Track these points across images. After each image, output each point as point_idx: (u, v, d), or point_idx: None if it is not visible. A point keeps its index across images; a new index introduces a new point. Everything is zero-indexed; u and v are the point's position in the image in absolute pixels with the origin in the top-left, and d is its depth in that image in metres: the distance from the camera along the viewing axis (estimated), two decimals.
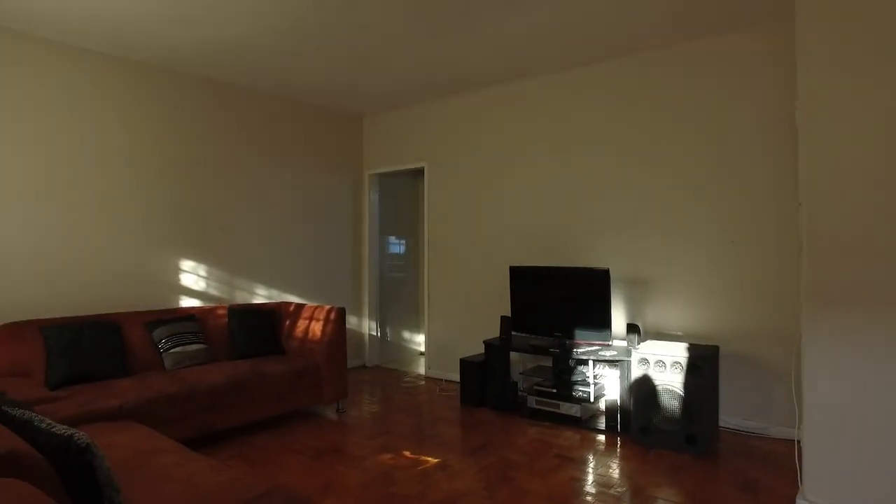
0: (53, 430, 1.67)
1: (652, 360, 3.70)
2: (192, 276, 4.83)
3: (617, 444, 3.83)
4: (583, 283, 4.33)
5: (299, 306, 4.81)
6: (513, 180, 5.19)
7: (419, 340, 7.03)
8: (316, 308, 4.67)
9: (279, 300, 5.47)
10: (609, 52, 4.47)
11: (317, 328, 4.55)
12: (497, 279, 5.26)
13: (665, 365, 3.65)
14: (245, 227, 5.24)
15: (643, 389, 3.73)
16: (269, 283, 5.42)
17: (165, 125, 4.70)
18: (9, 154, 3.86)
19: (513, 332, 4.78)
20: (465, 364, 4.78)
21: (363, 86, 5.27)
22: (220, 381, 3.77)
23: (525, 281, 4.67)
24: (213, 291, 4.98)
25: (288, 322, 4.80)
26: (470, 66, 4.76)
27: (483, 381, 4.73)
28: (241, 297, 5.18)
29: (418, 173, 6.92)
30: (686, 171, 4.23)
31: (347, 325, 6.19)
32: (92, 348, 3.69)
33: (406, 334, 6.92)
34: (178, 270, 4.74)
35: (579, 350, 4.28)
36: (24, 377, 3.49)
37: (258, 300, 5.32)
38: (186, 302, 4.78)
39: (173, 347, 4.03)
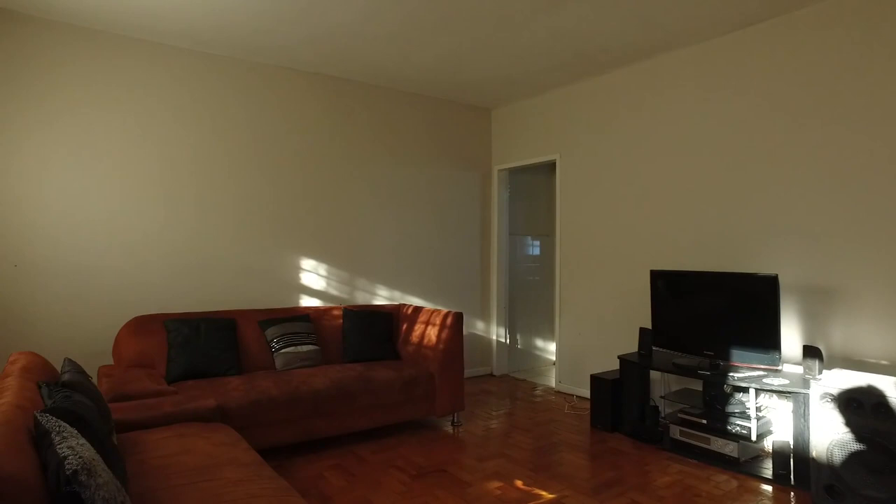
0: (60, 447, 1.44)
1: (842, 396, 2.75)
2: (312, 275, 4.74)
3: (791, 502, 2.93)
4: (743, 291, 3.44)
5: (417, 309, 4.48)
6: (655, 172, 4.39)
7: (553, 349, 6.39)
8: (433, 312, 4.30)
9: (401, 302, 5.22)
10: (789, 5, 3.52)
11: (432, 334, 4.18)
12: (636, 285, 4.48)
13: (864, 406, 2.67)
14: (367, 225, 5.06)
15: (830, 434, 2.78)
16: (391, 284, 5.19)
17: (286, 125, 4.67)
18: (140, 158, 4.03)
19: (653, 348, 4.00)
20: (597, 381, 4.09)
21: (487, 72, 4.81)
22: (324, 387, 3.55)
23: (669, 288, 3.87)
24: (332, 291, 4.85)
25: (405, 325, 4.50)
26: (601, 42, 4.08)
27: (617, 401, 4.00)
28: (362, 298, 5.00)
29: (552, 168, 6.30)
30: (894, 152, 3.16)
31: (473, 331, 5.78)
32: (207, 345, 3.67)
33: (539, 342, 6.33)
34: (298, 269, 4.67)
35: (737, 375, 3.40)
36: (148, 368, 3.56)
37: (379, 301, 5.11)
38: (306, 301, 4.70)
39: (285, 347, 3.90)
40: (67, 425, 1.58)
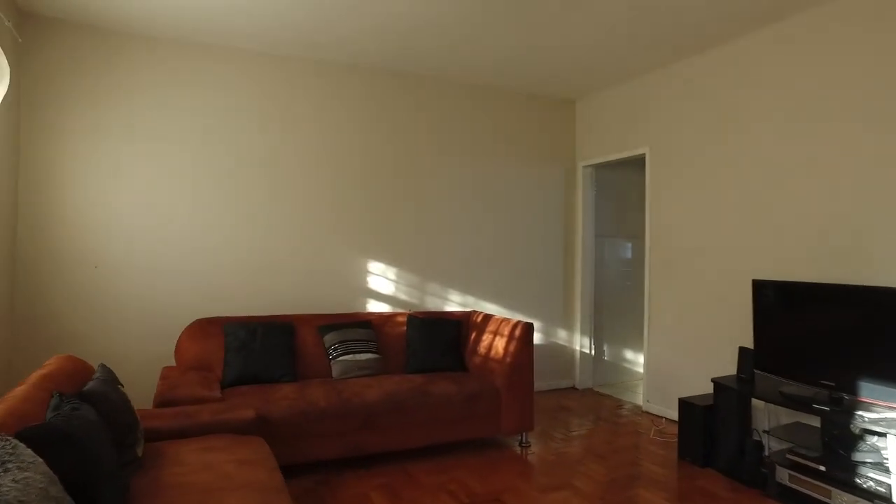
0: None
1: None
2: (380, 279, 4.54)
3: None
4: (875, 309, 2.73)
5: (487, 317, 4.13)
6: (761, 165, 3.69)
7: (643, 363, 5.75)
8: (502, 321, 3.93)
9: (474, 309, 4.89)
10: None
11: (499, 345, 3.81)
12: (735, 296, 3.81)
13: None
14: (441, 228, 4.78)
15: None
16: (465, 290, 4.87)
17: (352, 124, 4.50)
18: (209, 161, 4.03)
19: (755, 371, 3.34)
20: (687, 407, 3.51)
21: (569, 56, 4.35)
22: (377, 399, 3.31)
23: (778, 301, 3.21)
24: (401, 296, 4.62)
25: (474, 334, 4.16)
26: (691, 17, 3.48)
27: (711, 431, 3.39)
28: (433, 304, 4.73)
29: (642, 163, 5.66)
30: None
31: (554, 340, 5.30)
32: (263, 350, 3.56)
33: (628, 354, 5.71)
34: (365, 273, 4.49)
35: (869, 414, 2.70)
36: (205, 371, 3.52)
37: (451, 308, 4.81)
38: (374, 306, 4.51)
39: (343, 355, 3.71)
40: (29, 452, 1.43)
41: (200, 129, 4.02)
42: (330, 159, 4.39)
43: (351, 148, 4.47)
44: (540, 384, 5.20)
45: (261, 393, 3.28)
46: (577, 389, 5.32)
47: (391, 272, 4.60)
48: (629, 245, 5.70)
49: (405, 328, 4.10)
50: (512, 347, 3.69)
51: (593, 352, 5.42)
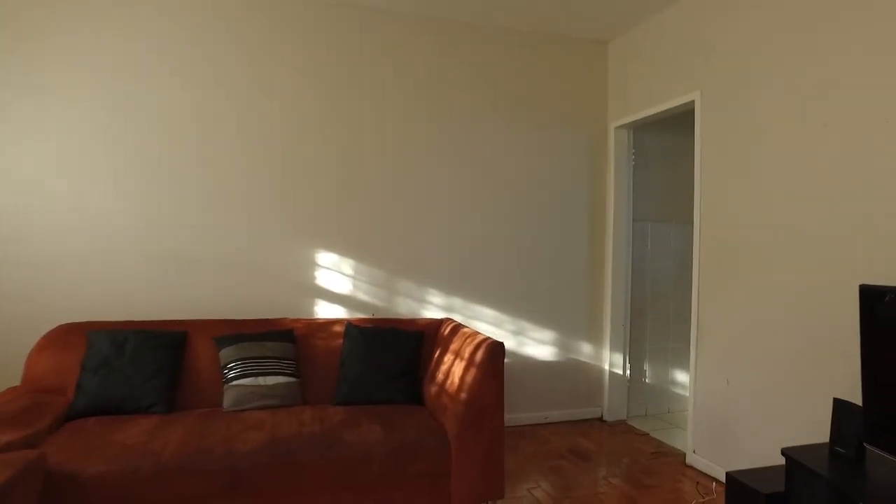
0: None
1: None
2: (335, 275, 3.42)
3: None
4: None
5: (456, 329, 2.94)
6: (869, 115, 2.24)
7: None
8: (468, 337, 2.72)
9: (464, 315, 3.69)
10: None
11: (456, 373, 2.61)
12: (832, 312, 2.35)
13: None
14: (418, 210, 3.62)
15: None
16: (451, 289, 3.68)
17: (305, 70, 3.41)
18: (83, 115, 3.09)
19: (866, 445, 1.92)
20: (740, 490, 2.14)
21: None
22: (254, 448, 2.22)
23: None
24: (363, 297, 3.51)
25: (438, 353, 2.98)
26: None
27: None
28: (405, 308, 3.58)
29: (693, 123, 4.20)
30: None
31: (575, 357, 3.99)
32: (133, 368, 2.57)
33: (677, 374, 4.29)
34: (315, 267, 3.42)
35: None
36: (54, 394, 2.58)
37: (430, 312, 3.64)
38: (325, 310, 3.43)
39: (242, 377, 2.66)
40: None
41: (89, 76, 3.11)
42: (273, 118, 3.34)
43: (303, 102, 3.40)
44: (553, 413, 3.91)
45: (104, 432, 2.29)
46: (604, 422, 3.99)
47: (349, 265, 3.49)
48: (680, 231, 4.26)
49: (342, 340, 3.00)
50: (470, 378, 2.48)
51: (629, 372, 4.06)
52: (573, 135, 3.97)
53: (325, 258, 3.43)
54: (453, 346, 2.79)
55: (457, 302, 3.69)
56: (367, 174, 3.51)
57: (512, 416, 3.78)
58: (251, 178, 3.31)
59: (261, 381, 2.67)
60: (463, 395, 2.45)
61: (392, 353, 2.91)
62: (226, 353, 2.72)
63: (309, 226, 3.40)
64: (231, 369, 2.68)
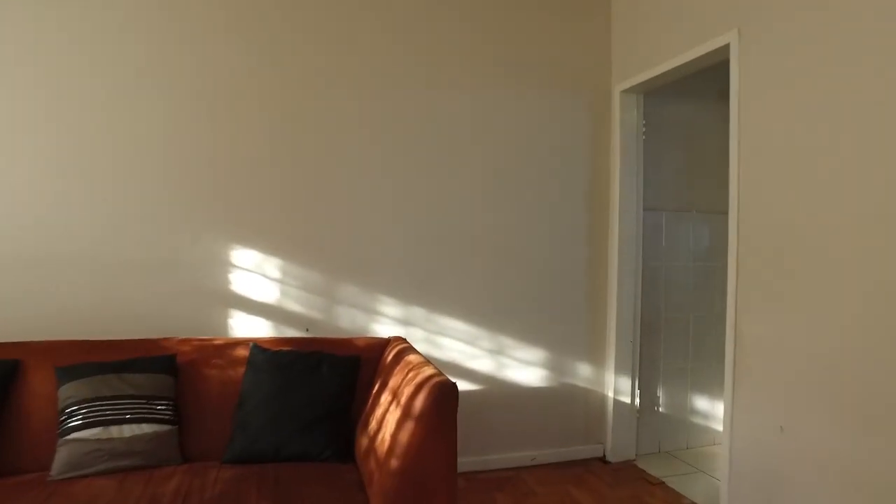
0: None
1: None
2: (255, 278, 2.59)
3: None
4: None
5: (401, 353, 2.11)
6: None
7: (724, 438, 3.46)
8: (410, 369, 1.90)
9: (426, 329, 2.87)
10: None
11: (388, 426, 1.78)
12: None
13: None
14: (371, 195, 2.79)
15: None
16: (410, 297, 2.84)
17: (214, 16, 2.60)
18: None
19: None
20: None
21: None
22: None
23: None
24: (292, 307, 2.68)
25: (377, 386, 2.16)
26: None
27: None
28: (348, 322, 2.73)
29: (723, 83, 3.37)
30: None
31: (571, 381, 3.14)
32: None
33: (697, 402, 3.44)
34: (224, 267, 2.60)
35: None
36: None
37: (383, 327, 2.81)
38: (242, 325, 2.61)
39: (84, 428, 1.84)
40: None
41: None
42: (173, 79, 2.54)
43: (207, 60, 2.58)
44: (543, 453, 3.07)
45: None
46: (606, 463, 3.15)
47: (276, 267, 2.66)
48: (704, 224, 3.42)
49: (244, 369, 2.18)
50: (406, 436, 1.65)
51: (638, 399, 3.23)
52: (567, 102, 3.13)
53: (242, 257, 2.61)
54: (392, 382, 1.96)
55: (418, 314, 2.86)
56: (300, 148, 2.69)
57: (487, 459, 2.95)
58: (153, 162, 2.49)
59: (114, 431, 1.85)
60: (394, 463, 1.63)
61: (313, 387, 2.09)
62: (66, 390, 1.90)
63: (221, 214, 2.58)
64: (71, 415, 1.86)
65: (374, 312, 2.79)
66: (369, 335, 2.75)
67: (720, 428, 3.43)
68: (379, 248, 2.80)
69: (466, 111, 2.94)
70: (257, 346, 2.16)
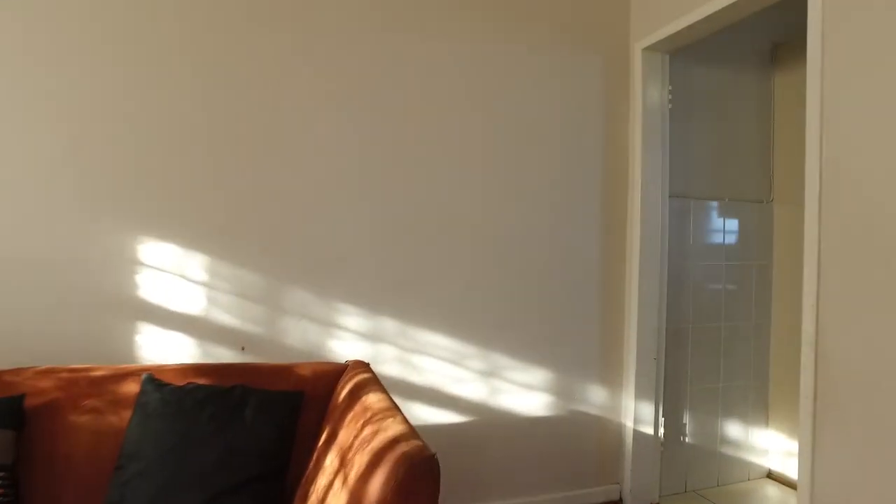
0: None
1: None
2: (173, 280, 1.93)
3: None
4: None
5: (359, 389, 1.49)
6: None
7: (774, 466, 2.88)
8: (367, 420, 1.28)
9: (399, 347, 2.24)
10: None
11: None
12: None
13: None
14: (328, 173, 2.16)
15: None
16: (379, 305, 2.21)
17: None
18: None
19: None
20: None
21: None
22: None
23: None
24: (223, 320, 2.03)
25: (324, 436, 1.53)
26: None
27: None
28: (301, 338, 2.08)
29: (767, 42, 2.80)
30: None
31: (581, 409, 2.52)
32: None
33: (730, 430, 2.85)
34: (130, 266, 1.94)
35: None
36: None
37: (342, 344, 2.17)
38: (154, 344, 1.95)
39: None
40: None
41: None
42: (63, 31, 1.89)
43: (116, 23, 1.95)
44: (546, 497, 2.46)
45: None
46: None
47: (202, 266, 2.01)
48: (739, 214, 2.83)
49: (131, 413, 1.54)
50: None
51: (662, 430, 2.63)
52: (577, 62, 2.51)
53: (156, 253, 1.96)
54: (343, 437, 1.34)
55: (389, 327, 2.23)
56: (233, 111, 2.05)
57: None
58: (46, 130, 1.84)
59: None
60: None
61: (232, 438, 1.46)
62: None
63: (126, 195, 1.92)
64: None
65: (332, 325, 2.16)
66: (325, 357, 2.11)
67: (757, 460, 2.86)
68: (339, 242, 2.17)
69: (450, 68, 2.31)
70: (152, 379, 1.51)
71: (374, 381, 1.58)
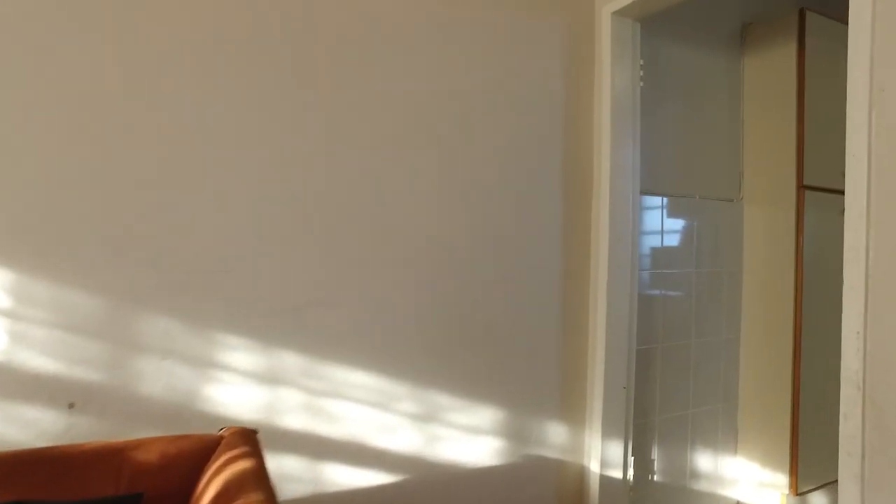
0: None
1: None
2: None
3: None
4: None
5: (235, 483, 0.93)
6: None
7: (743, 497, 2.53)
8: None
9: (303, 390, 1.67)
10: None
11: None
12: None
13: None
14: (202, 146, 1.56)
15: None
16: (275, 333, 1.64)
17: None
18: None
19: None
20: None
21: None
22: None
23: None
24: (40, 363, 1.39)
25: None
26: None
27: None
28: (161, 386, 1.44)
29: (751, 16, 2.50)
30: None
31: (539, 453, 2.02)
32: None
33: (701, 461, 2.50)
34: None
35: None
36: None
37: (222, 395, 1.56)
38: None
39: None
40: None
41: None
42: None
43: None
44: None
45: None
46: None
47: (7, 284, 1.39)
48: (712, 214, 2.47)
49: None
50: None
51: (631, 472, 2.22)
52: (532, 30, 2.03)
53: None
54: None
55: (290, 364, 1.65)
56: (54, 61, 1.40)
57: None
58: None
59: None
60: None
61: None
62: None
63: None
64: None
65: (210, 365, 1.55)
66: (199, 412, 1.50)
67: (726, 492, 2.52)
68: (222, 248, 1.56)
69: (373, 24, 1.76)
70: None
71: (258, 473, 1.01)
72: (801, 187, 2.33)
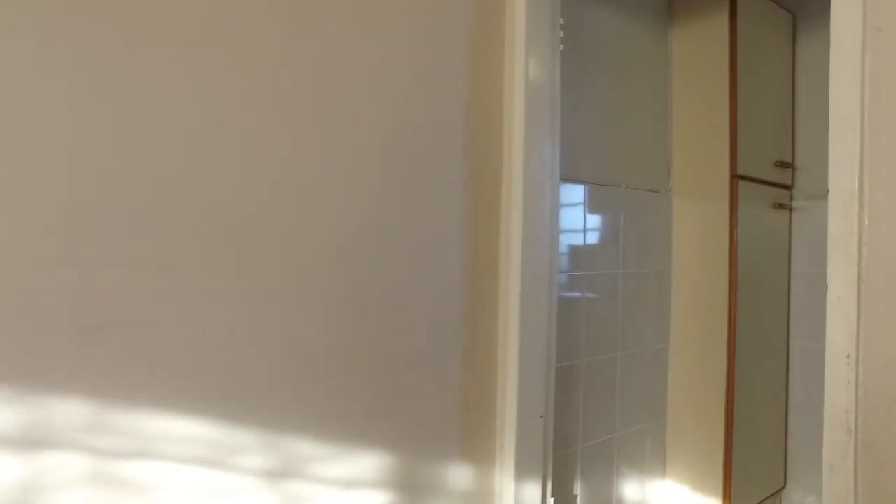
0: None
1: None
2: None
3: None
4: None
5: None
6: None
7: None
8: None
9: (85, 449, 1.16)
10: None
11: None
12: None
13: None
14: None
15: None
16: (44, 365, 1.15)
17: None
18: None
19: None
20: None
21: None
22: None
23: None
24: None
25: None
26: None
27: None
28: None
29: None
30: None
31: (441, 503, 1.68)
32: None
33: (628, 489, 2.19)
34: None
35: None
36: None
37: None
38: None
39: None
40: None
41: None
42: None
43: None
44: None
45: None
46: None
47: None
48: (639, 206, 2.17)
49: None
50: None
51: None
52: None
53: None
54: None
55: (61, 416, 1.15)
56: None
57: None
58: None
59: None
60: None
61: None
62: None
63: None
64: None
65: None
66: None
67: None
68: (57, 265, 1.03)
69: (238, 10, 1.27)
70: None
71: None
72: (735, 177, 2.07)
